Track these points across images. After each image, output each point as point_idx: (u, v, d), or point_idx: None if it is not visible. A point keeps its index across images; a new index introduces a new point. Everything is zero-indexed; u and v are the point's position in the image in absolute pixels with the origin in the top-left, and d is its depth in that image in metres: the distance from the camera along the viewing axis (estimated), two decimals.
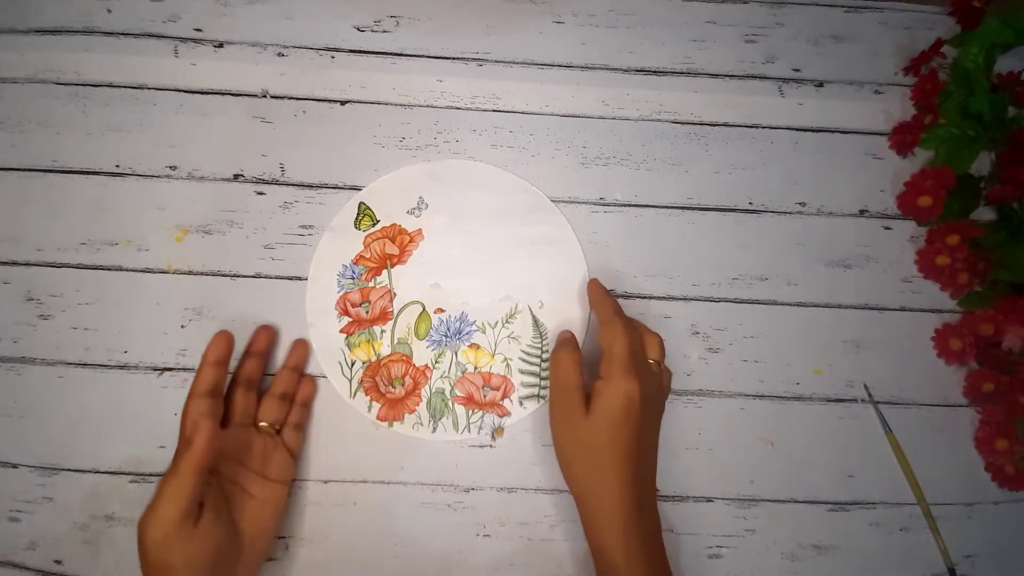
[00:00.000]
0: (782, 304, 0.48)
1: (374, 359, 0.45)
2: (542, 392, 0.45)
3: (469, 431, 0.44)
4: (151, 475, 0.43)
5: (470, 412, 0.45)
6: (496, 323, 0.46)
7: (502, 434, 0.44)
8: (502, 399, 0.45)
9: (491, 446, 0.45)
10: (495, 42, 0.52)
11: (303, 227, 0.47)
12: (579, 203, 0.49)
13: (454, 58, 0.51)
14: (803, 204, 0.50)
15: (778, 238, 0.49)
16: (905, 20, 0.53)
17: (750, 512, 0.45)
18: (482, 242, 0.47)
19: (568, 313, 0.46)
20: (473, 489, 0.44)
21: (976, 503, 0.45)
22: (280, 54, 0.50)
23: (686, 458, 0.45)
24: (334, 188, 0.48)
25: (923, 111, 0.49)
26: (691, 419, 0.46)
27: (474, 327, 0.46)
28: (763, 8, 0.53)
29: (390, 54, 0.51)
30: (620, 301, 0.47)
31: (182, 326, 0.45)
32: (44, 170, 0.47)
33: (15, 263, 0.46)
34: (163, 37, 0.50)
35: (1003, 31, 0.47)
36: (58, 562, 0.42)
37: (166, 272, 0.46)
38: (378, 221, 0.47)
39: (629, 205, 0.49)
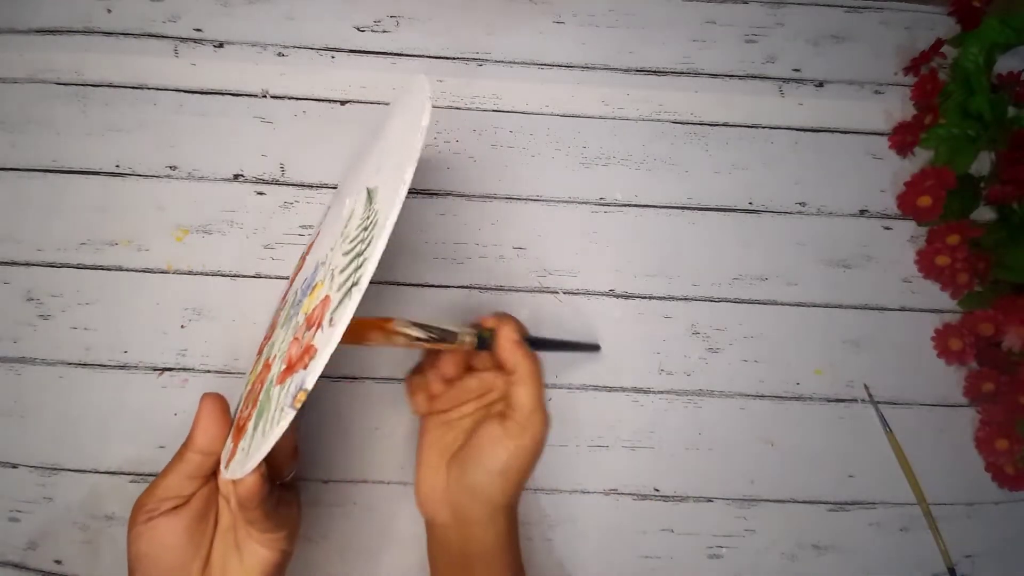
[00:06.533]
0: (782, 304, 0.48)
1: (249, 386, 0.33)
2: (355, 278, 0.25)
3: (273, 423, 0.26)
4: (151, 475, 0.43)
5: (283, 389, 0.27)
6: (335, 244, 0.30)
7: (305, 398, 0.25)
8: (315, 335, 0.26)
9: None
10: (495, 42, 0.52)
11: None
12: (579, 203, 0.49)
13: (454, 58, 0.51)
14: (803, 204, 0.50)
15: (778, 238, 0.49)
16: (905, 20, 0.53)
17: (750, 512, 0.45)
18: (346, 189, 0.38)
19: (398, 153, 0.28)
20: None
21: (976, 503, 0.45)
22: (280, 54, 0.50)
23: (686, 458, 0.45)
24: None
25: (923, 111, 0.49)
26: (691, 419, 0.46)
27: (320, 265, 0.31)
28: (763, 8, 0.53)
29: (390, 54, 0.51)
30: (621, 301, 0.48)
31: (182, 326, 0.45)
32: (44, 170, 0.47)
33: (15, 263, 0.46)
34: (163, 37, 0.50)
35: (1003, 31, 0.47)
36: (58, 562, 0.42)
37: (166, 272, 0.46)
38: None
39: (629, 205, 0.49)
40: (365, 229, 0.27)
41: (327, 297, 0.27)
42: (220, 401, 0.32)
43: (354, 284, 0.25)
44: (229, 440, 0.32)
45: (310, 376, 0.24)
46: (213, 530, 0.33)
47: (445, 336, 0.35)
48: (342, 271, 0.27)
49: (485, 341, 0.36)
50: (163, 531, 0.31)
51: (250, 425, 0.29)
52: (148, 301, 0.46)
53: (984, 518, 0.45)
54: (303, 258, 0.42)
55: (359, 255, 0.26)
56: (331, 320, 0.25)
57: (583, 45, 0.52)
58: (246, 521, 0.31)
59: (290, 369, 0.27)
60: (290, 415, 0.25)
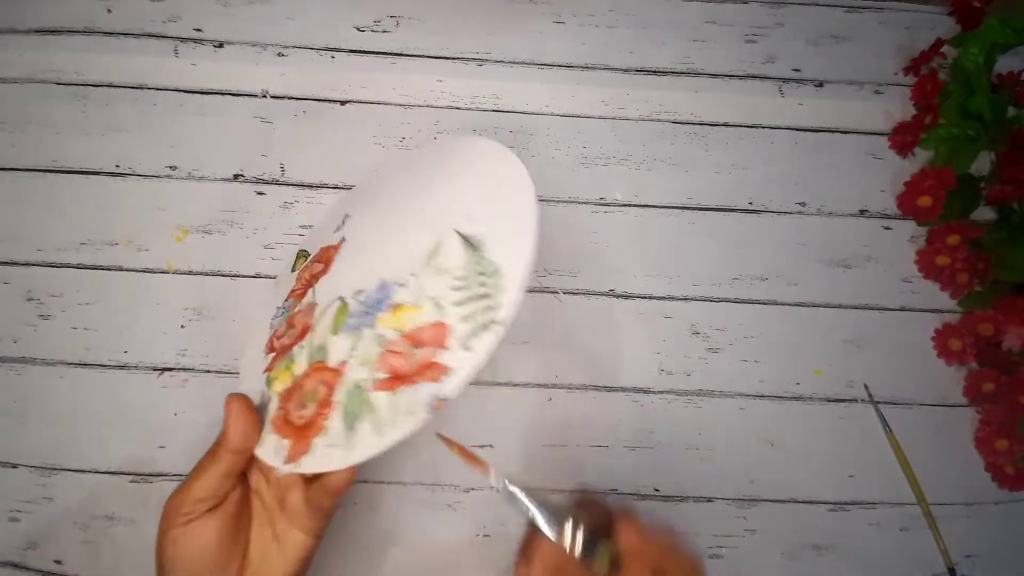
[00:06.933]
0: (782, 304, 0.48)
1: (290, 384, 0.34)
2: (495, 317, 0.30)
3: (396, 425, 0.30)
4: (151, 475, 0.43)
5: (395, 395, 0.30)
6: (420, 267, 0.34)
7: (443, 406, 0.29)
8: (442, 355, 0.30)
9: (491, 444, 0.44)
10: (495, 42, 0.52)
11: (303, 227, 0.47)
12: (579, 203, 0.49)
13: (454, 58, 0.51)
14: (803, 204, 0.50)
15: (778, 238, 0.49)
16: (905, 20, 0.53)
17: (750, 512, 0.45)
18: (399, 205, 0.40)
19: (504, 213, 0.34)
20: (473, 489, 0.44)
21: (976, 503, 0.45)
22: (280, 54, 0.50)
23: (686, 458, 0.45)
24: (334, 188, 0.48)
25: (923, 111, 0.49)
26: (691, 419, 0.46)
27: (395, 285, 0.34)
28: (763, 8, 0.53)
29: (390, 54, 0.51)
30: (620, 301, 0.48)
31: (182, 326, 0.45)
32: (44, 170, 0.47)
33: (15, 263, 0.46)
34: (163, 37, 0.50)
35: (1003, 31, 0.47)
36: (58, 562, 0.42)
37: (166, 272, 0.46)
38: (310, 255, 0.43)
39: (629, 205, 0.49)
40: (482, 275, 0.31)
41: (442, 324, 0.31)
42: (247, 400, 0.33)
43: (493, 322, 0.30)
44: (274, 436, 0.33)
45: (448, 387, 0.29)
46: (248, 526, 0.34)
47: (543, 522, 0.32)
48: (459, 304, 0.31)
49: (611, 563, 0.31)
50: (202, 532, 0.31)
51: (331, 424, 0.31)
52: (148, 301, 0.46)
53: (984, 518, 0.45)
54: (320, 261, 0.42)
55: (483, 296, 0.31)
56: (467, 346, 0.30)
57: (583, 45, 0.52)
58: (315, 509, 0.33)
59: (400, 379, 0.30)
60: (424, 419, 0.29)
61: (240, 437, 0.32)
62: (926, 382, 0.47)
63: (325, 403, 0.32)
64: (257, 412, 0.34)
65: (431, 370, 0.30)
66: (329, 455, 0.31)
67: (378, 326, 0.33)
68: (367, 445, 0.30)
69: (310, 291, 0.40)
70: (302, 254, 0.44)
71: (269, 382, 0.36)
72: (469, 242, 0.33)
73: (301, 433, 0.32)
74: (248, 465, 0.34)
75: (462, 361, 0.30)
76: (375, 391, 0.31)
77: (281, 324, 0.40)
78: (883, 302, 0.48)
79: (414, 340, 0.31)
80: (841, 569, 0.44)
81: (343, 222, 0.43)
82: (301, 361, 0.35)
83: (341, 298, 0.36)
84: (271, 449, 0.33)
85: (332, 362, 0.33)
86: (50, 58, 0.49)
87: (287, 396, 0.34)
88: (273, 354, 0.38)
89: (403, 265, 0.35)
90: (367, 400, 0.31)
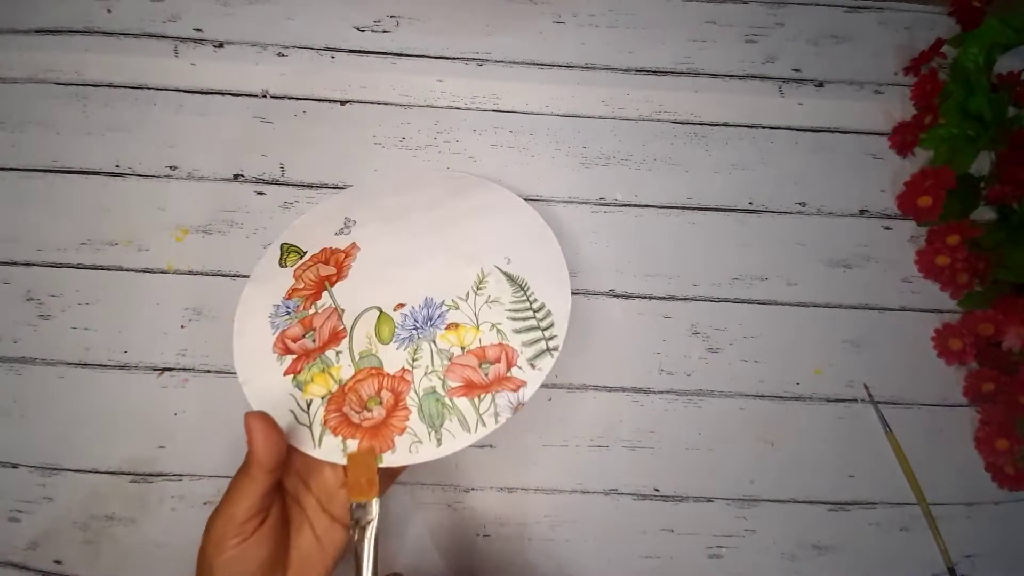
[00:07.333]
0: (782, 304, 0.48)
1: (335, 388, 0.37)
2: (551, 345, 0.38)
3: (484, 424, 0.36)
4: (151, 475, 0.43)
5: (476, 401, 0.36)
6: (467, 294, 0.40)
7: (522, 409, 0.36)
8: (508, 370, 0.37)
9: (491, 445, 0.44)
10: (495, 42, 0.52)
11: None
12: (579, 203, 0.49)
13: (454, 58, 0.51)
14: (803, 204, 0.50)
15: (778, 238, 0.49)
16: (905, 20, 0.53)
17: (750, 512, 0.45)
18: (422, 227, 0.43)
19: (538, 260, 0.41)
20: (473, 489, 0.44)
21: (976, 503, 0.45)
22: (280, 54, 0.50)
23: (686, 458, 0.45)
24: (334, 188, 0.48)
25: (923, 111, 0.49)
26: (691, 419, 0.46)
27: (444, 307, 0.39)
28: (763, 8, 0.53)
29: (390, 54, 0.51)
30: (621, 301, 0.48)
31: (182, 326, 0.45)
32: (44, 170, 0.47)
33: (15, 263, 0.46)
34: (163, 37, 0.50)
35: (1003, 31, 0.47)
36: (58, 562, 0.42)
37: (166, 272, 0.46)
38: (305, 252, 0.43)
39: (629, 205, 0.49)
40: (534, 311, 0.39)
41: (508, 346, 0.38)
42: (267, 416, 0.33)
43: (550, 348, 0.37)
44: (334, 438, 0.35)
45: (525, 396, 0.36)
46: (287, 531, 0.34)
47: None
48: (519, 332, 0.38)
49: None
50: (255, 551, 0.32)
51: (412, 424, 0.36)
52: (148, 301, 0.46)
53: (984, 518, 0.45)
54: (327, 263, 0.42)
55: (538, 328, 0.38)
56: (534, 366, 0.37)
57: (583, 45, 0.52)
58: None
59: (477, 388, 0.36)
60: (507, 419, 0.36)
61: (270, 455, 0.32)
62: (926, 382, 0.47)
63: (397, 406, 0.36)
64: (294, 417, 0.36)
65: (508, 383, 0.37)
66: (417, 450, 0.35)
67: (439, 341, 0.38)
68: (458, 440, 0.35)
69: (325, 294, 0.41)
70: (292, 249, 0.44)
71: (301, 385, 0.37)
72: (515, 281, 0.40)
73: (375, 433, 0.36)
74: (285, 472, 0.35)
75: (532, 377, 0.37)
76: (453, 397, 0.36)
77: (292, 325, 0.40)
78: (883, 302, 0.48)
79: (479, 356, 0.38)
80: (841, 569, 0.44)
81: (346, 226, 0.44)
82: (343, 366, 0.38)
83: (379, 308, 0.40)
84: (333, 450, 0.35)
85: (390, 369, 0.37)
86: (50, 58, 0.49)
87: (337, 400, 0.37)
88: (292, 356, 0.39)
89: (446, 288, 0.40)
90: (447, 404, 0.36)
